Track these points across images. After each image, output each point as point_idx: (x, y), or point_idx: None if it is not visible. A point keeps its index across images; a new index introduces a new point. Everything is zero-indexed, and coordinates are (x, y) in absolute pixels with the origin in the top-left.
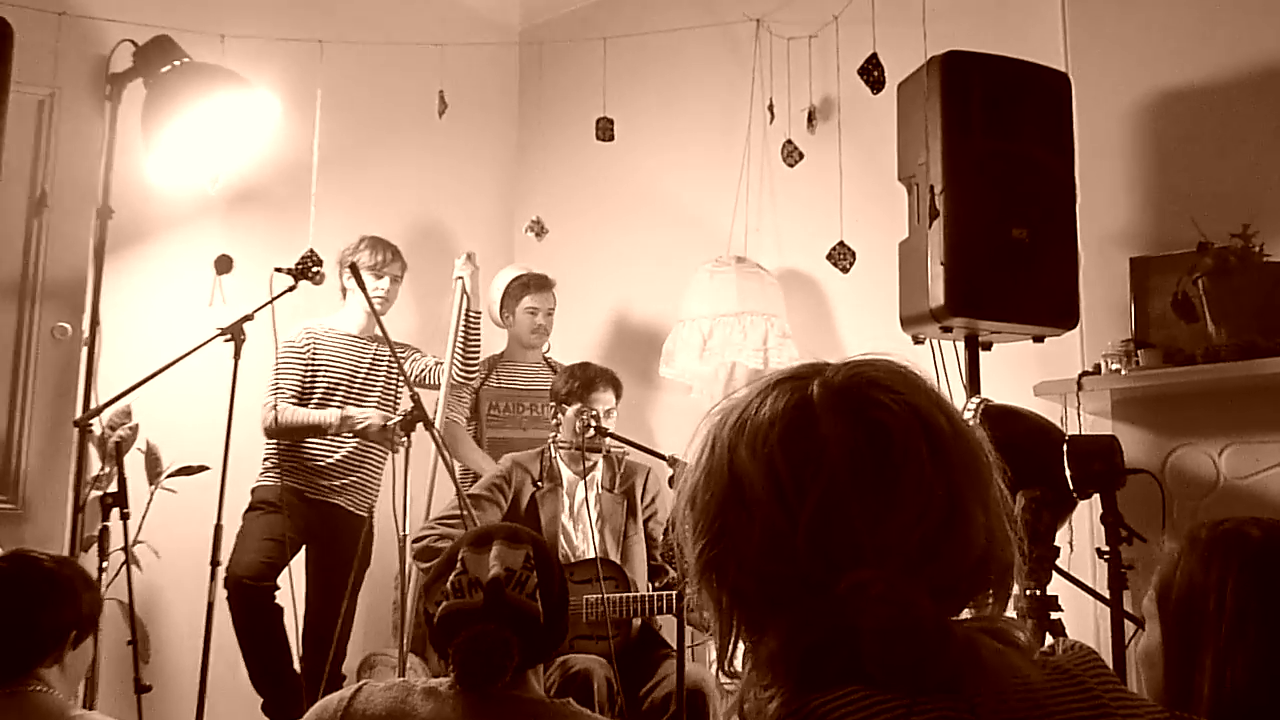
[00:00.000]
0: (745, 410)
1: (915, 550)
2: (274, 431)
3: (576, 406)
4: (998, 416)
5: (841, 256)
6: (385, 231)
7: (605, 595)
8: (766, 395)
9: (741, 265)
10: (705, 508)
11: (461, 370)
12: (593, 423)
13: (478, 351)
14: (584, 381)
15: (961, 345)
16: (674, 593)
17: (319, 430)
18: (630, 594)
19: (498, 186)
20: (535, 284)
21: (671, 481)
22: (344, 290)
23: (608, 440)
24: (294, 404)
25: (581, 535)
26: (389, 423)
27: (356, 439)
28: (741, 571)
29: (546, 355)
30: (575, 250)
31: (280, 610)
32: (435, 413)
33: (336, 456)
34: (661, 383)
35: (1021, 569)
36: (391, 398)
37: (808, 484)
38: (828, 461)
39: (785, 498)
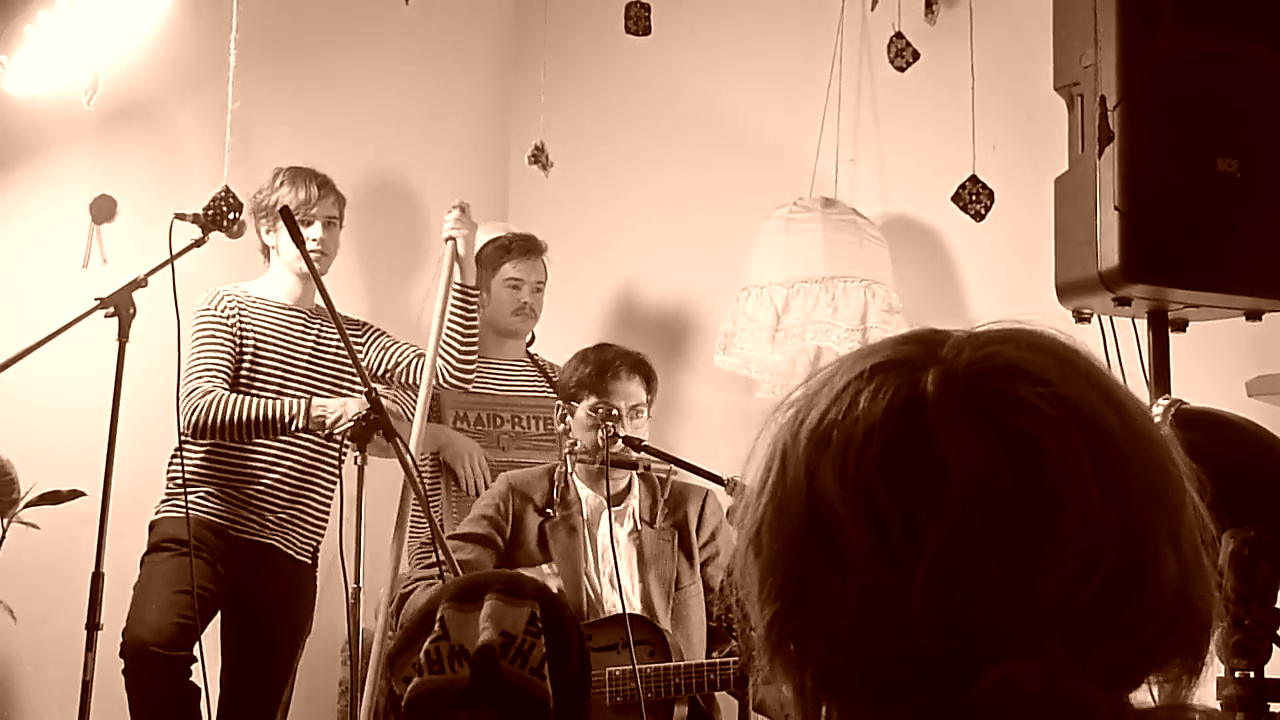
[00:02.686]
0: (828, 412)
1: (1081, 618)
2: (208, 429)
3: (589, 402)
4: (1197, 424)
5: (973, 198)
6: (330, 167)
7: (637, 667)
8: (859, 389)
9: (830, 211)
10: (776, 557)
11: (456, 367)
12: (610, 425)
13: (476, 342)
14: (598, 366)
15: (1144, 324)
16: (734, 664)
17: (272, 427)
18: (672, 664)
19: (486, 103)
20: (519, 247)
21: (731, 515)
22: (265, 249)
23: (641, 456)
24: (225, 388)
25: (609, 583)
26: (330, 419)
27: (298, 451)
28: (831, 648)
29: (531, 352)
30: (593, 192)
31: (197, 692)
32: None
33: (276, 474)
34: (716, 377)
35: (1228, 636)
36: (346, 392)
37: (923, 525)
38: (951, 492)
39: (891, 546)
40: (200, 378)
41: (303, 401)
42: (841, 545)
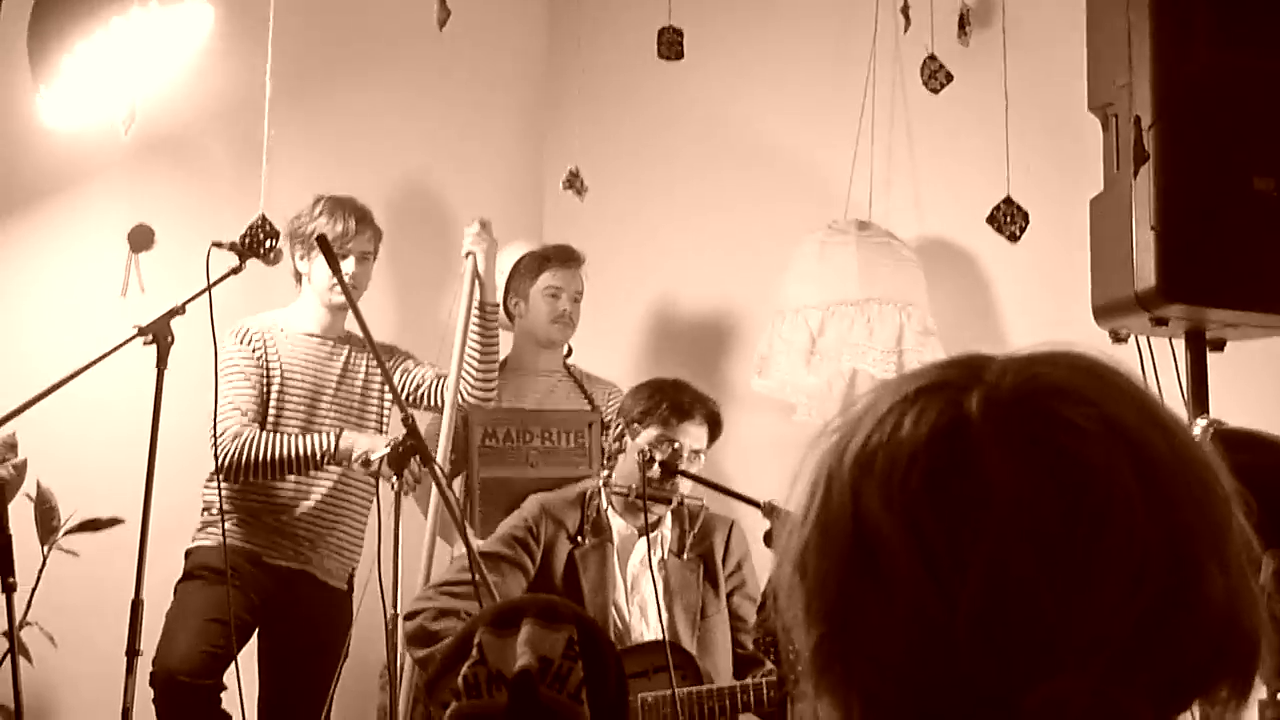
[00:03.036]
0: (873, 435)
1: (1129, 638)
2: (241, 469)
3: (653, 434)
4: (1235, 444)
5: (1008, 219)
6: (364, 194)
7: (675, 691)
8: (903, 412)
9: (865, 234)
10: (822, 580)
11: (476, 386)
12: (657, 457)
13: (496, 358)
14: (674, 405)
15: (1181, 344)
16: (772, 686)
17: (305, 464)
18: (710, 687)
19: (519, 129)
20: (558, 256)
21: (769, 539)
22: (298, 275)
23: (680, 484)
24: (255, 425)
25: (638, 612)
26: (372, 455)
27: (332, 477)
28: (877, 671)
29: (569, 363)
30: (628, 215)
31: (228, 719)
32: (436, 446)
33: (310, 503)
34: (753, 400)
35: (1271, 653)
36: (376, 421)
37: (968, 549)
38: (996, 513)
39: (937, 569)
40: (229, 419)
41: (332, 435)
42: (887, 568)
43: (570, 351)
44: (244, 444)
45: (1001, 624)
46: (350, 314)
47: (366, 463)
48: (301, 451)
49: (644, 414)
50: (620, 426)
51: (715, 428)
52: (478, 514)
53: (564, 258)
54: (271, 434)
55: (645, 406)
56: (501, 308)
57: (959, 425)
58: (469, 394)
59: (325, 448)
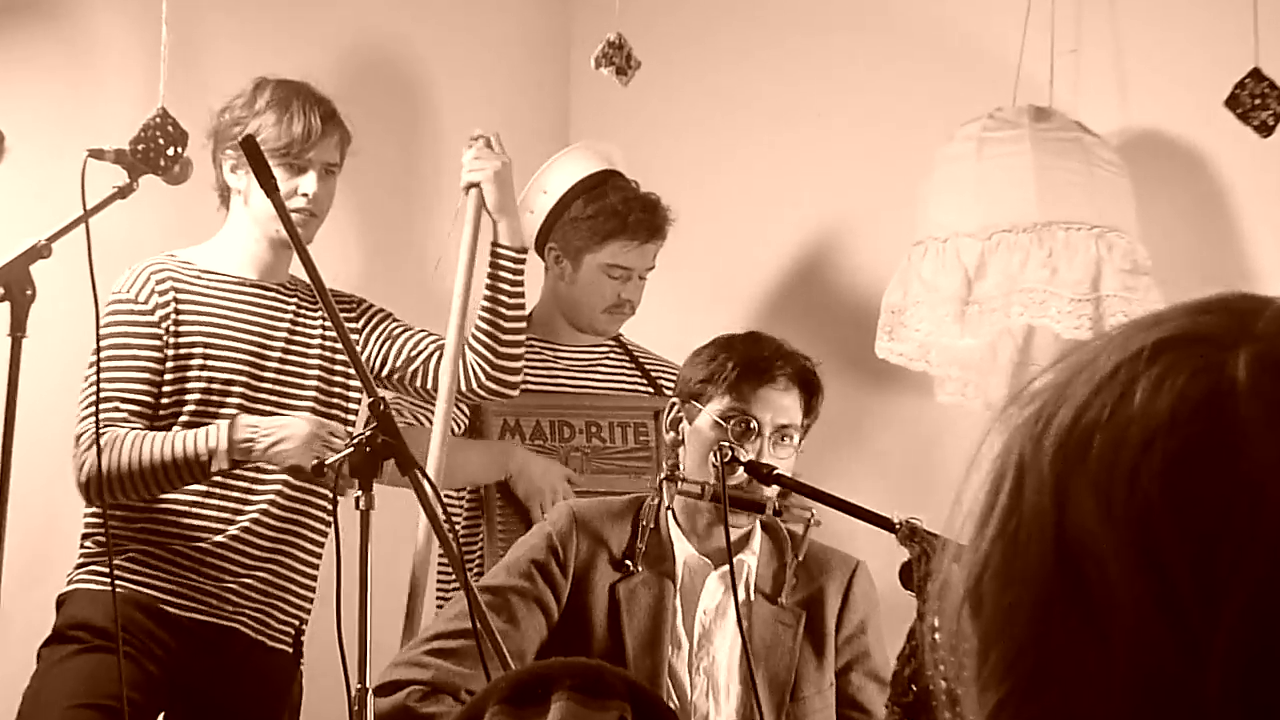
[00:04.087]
0: (1088, 407)
1: None
2: (102, 485)
3: (720, 406)
4: None
5: (1257, 102)
6: (313, 76)
7: None
8: (1133, 376)
9: (1043, 126)
10: (1007, 617)
11: (491, 370)
12: (732, 449)
13: (521, 328)
14: (746, 362)
15: None
16: None
17: (190, 470)
18: None
19: None
20: (641, 225)
21: (909, 575)
22: (225, 193)
23: (775, 492)
24: (141, 426)
25: (704, 682)
26: (328, 459)
27: (270, 490)
28: None
29: (619, 333)
30: (691, 107)
31: None
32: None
33: (237, 528)
34: (878, 374)
35: None
36: (339, 405)
37: (1225, 574)
38: (1267, 526)
39: (1177, 601)
40: (90, 410)
41: (222, 426)
42: (1103, 600)
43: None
44: (106, 451)
45: (1271, 683)
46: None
47: (300, 471)
48: (176, 451)
49: (705, 381)
50: (677, 407)
51: (810, 392)
52: (496, 541)
53: (649, 228)
54: (142, 430)
55: (706, 371)
56: (530, 244)
57: (1217, 398)
58: (482, 378)
59: (212, 444)
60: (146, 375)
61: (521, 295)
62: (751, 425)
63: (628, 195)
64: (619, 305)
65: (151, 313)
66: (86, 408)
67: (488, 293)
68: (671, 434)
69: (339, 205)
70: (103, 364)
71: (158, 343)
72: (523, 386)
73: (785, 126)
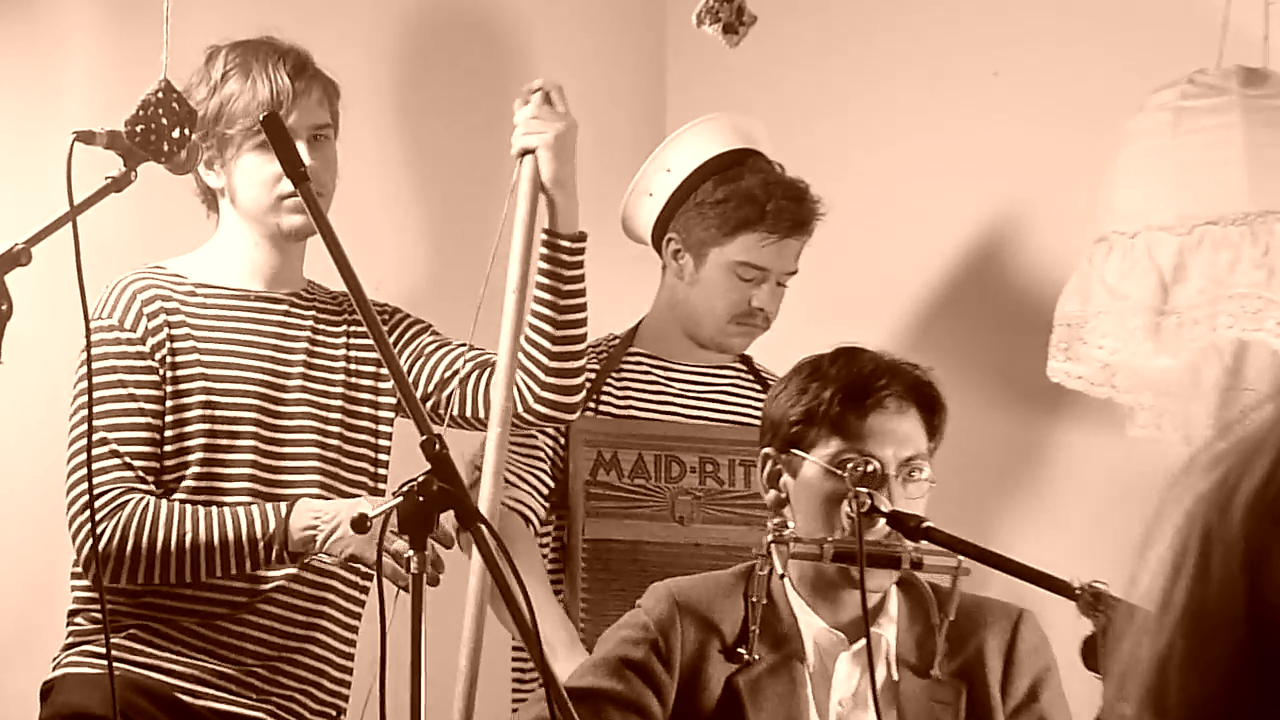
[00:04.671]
0: None
1: None
2: (124, 565)
3: (829, 449)
4: None
5: None
6: (337, 48)
7: None
8: None
9: (1256, 92)
10: (1194, 712)
11: (542, 387)
12: (872, 497)
13: (581, 331)
14: (847, 387)
15: None
16: None
17: (244, 558)
18: None
19: None
20: (779, 214)
21: (1091, 652)
22: (206, 195)
23: (912, 546)
24: (155, 489)
25: None
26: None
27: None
28: None
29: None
30: (818, 73)
31: None
32: (478, 487)
33: (261, 597)
34: (1051, 401)
35: None
36: (366, 442)
37: None
38: None
39: None
40: (102, 471)
41: (279, 509)
42: None
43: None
44: (135, 524)
45: None
46: (306, 257)
47: (357, 560)
48: (229, 536)
49: (802, 422)
50: (772, 459)
51: (931, 408)
52: (579, 608)
53: (789, 220)
54: (182, 507)
55: (801, 409)
56: (644, 235)
57: None
58: (529, 403)
59: (269, 529)
60: (148, 420)
61: (580, 293)
62: (873, 468)
63: (769, 179)
64: (749, 315)
65: (142, 341)
66: (81, 463)
67: (539, 291)
68: (772, 492)
69: (393, 195)
70: (97, 409)
71: (155, 378)
72: (627, 412)
73: (936, 97)
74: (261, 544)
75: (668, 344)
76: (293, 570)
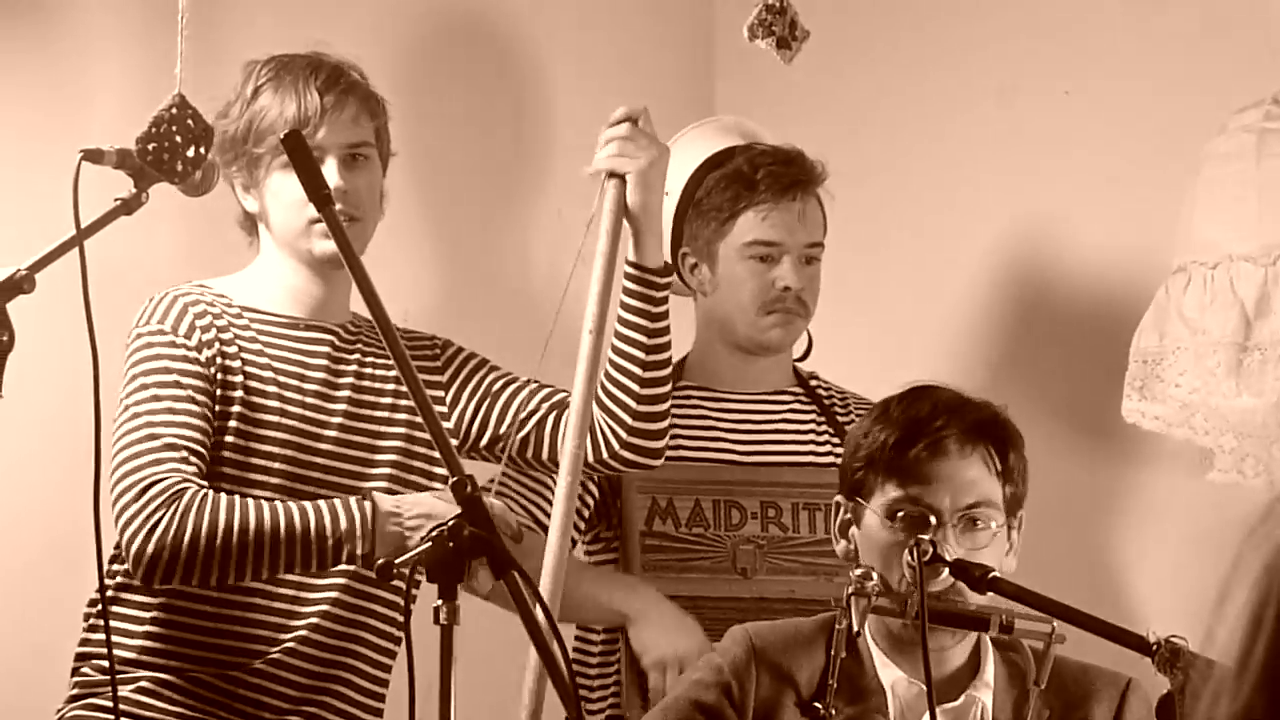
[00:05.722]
0: None
1: None
2: (185, 555)
3: (887, 498)
4: None
5: None
6: (371, 51)
7: None
8: None
9: None
10: None
11: (629, 432)
12: (934, 544)
13: (666, 375)
14: (905, 429)
15: None
16: None
17: (320, 551)
18: None
19: None
20: (770, 180)
21: (1169, 712)
22: (249, 220)
23: (1010, 606)
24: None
25: None
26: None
27: (322, 594)
28: None
29: (806, 371)
30: (873, 88)
31: None
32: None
33: (276, 651)
34: (1126, 442)
35: None
36: (419, 487)
37: None
38: None
39: None
40: (157, 463)
41: (362, 503)
42: None
43: (809, 349)
44: (195, 512)
45: None
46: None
47: (404, 544)
48: (301, 526)
49: (864, 468)
50: (843, 507)
51: (1002, 449)
52: (635, 673)
53: (785, 180)
54: (234, 498)
55: (864, 454)
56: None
57: None
58: (615, 449)
59: (354, 520)
60: (204, 421)
61: (666, 330)
62: (929, 519)
63: (755, 153)
64: (778, 299)
65: (198, 350)
66: (147, 454)
67: (621, 328)
68: (842, 543)
69: (409, 206)
70: (151, 405)
71: (209, 387)
72: (676, 453)
73: (1004, 117)
74: (339, 536)
75: (716, 370)
76: (317, 618)
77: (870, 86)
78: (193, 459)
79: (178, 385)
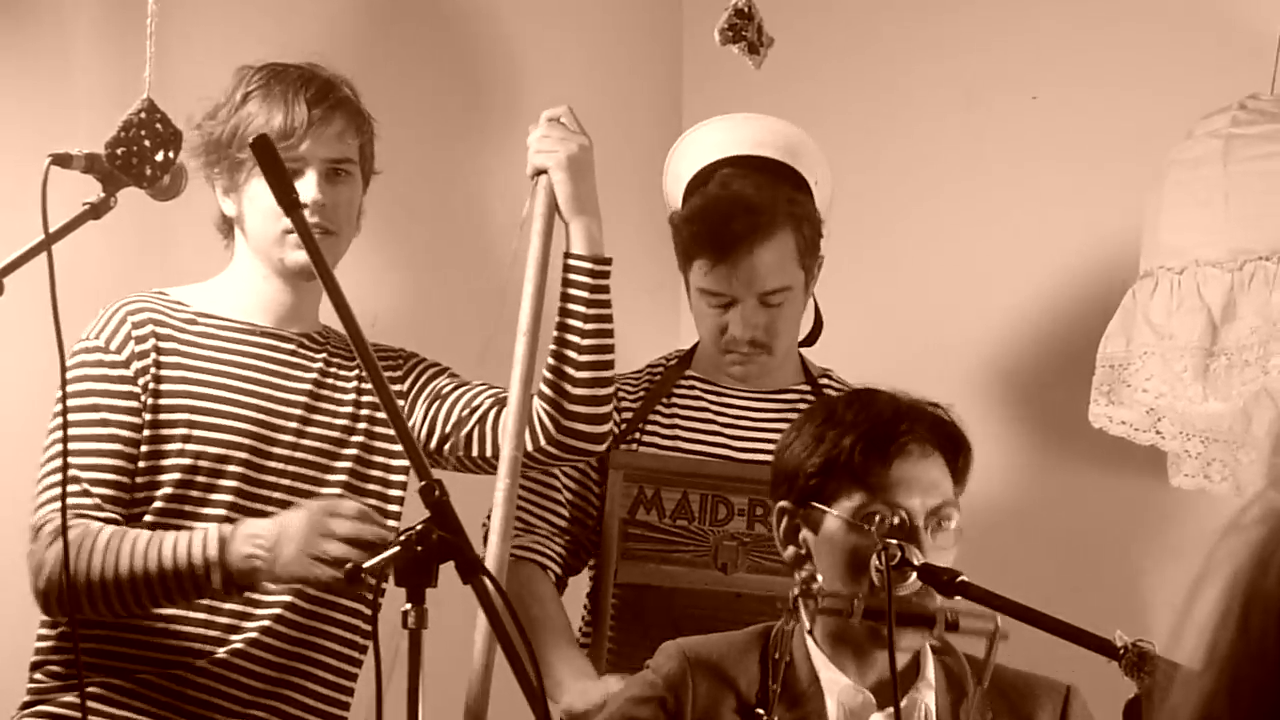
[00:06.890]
0: None
1: None
2: (65, 596)
3: (852, 503)
4: None
5: None
6: (344, 61)
7: None
8: None
9: None
10: None
11: (562, 417)
12: (903, 549)
13: (605, 361)
14: (866, 435)
15: None
16: None
17: (183, 585)
18: None
19: None
20: (708, 239)
21: (1135, 716)
22: (226, 223)
23: (953, 604)
24: (118, 516)
25: None
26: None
27: (281, 594)
28: None
29: (818, 368)
30: (842, 93)
31: None
32: (485, 537)
33: (226, 650)
34: (1092, 448)
35: None
36: (377, 493)
37: None
38: None
39: None
40: (54, 499)
41: (213, 533)
42: None
43: (818, 332)
44: (74, 551)
45: None
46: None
47: (259, 575)
48: (166, 561)
49: (821, 474)
50: (789, 513)
51: (955, 451)
52: (604, 659)
53: (718, 245)
54: (120, 530)
55: (819, 459)
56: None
57: None
58: (551, 434)
59: (207, 554)
60: (119, 448)
61: (605, 320)
62: (900, 520)
63: (707, 198)
64: (732, 342)
65: (126, 365)
66: (48, 489)
67: (558, 317)
68: (791, 548)
69: (377, 222)
70: (70, 433)
71: (134, 404)
72: (673, 443)
73: (966, 119)
74: (203, 566)
75: (720, 364)
76: (274, 615)
77: (837, 91)
78: (94, 490)
79: (94, 410)
